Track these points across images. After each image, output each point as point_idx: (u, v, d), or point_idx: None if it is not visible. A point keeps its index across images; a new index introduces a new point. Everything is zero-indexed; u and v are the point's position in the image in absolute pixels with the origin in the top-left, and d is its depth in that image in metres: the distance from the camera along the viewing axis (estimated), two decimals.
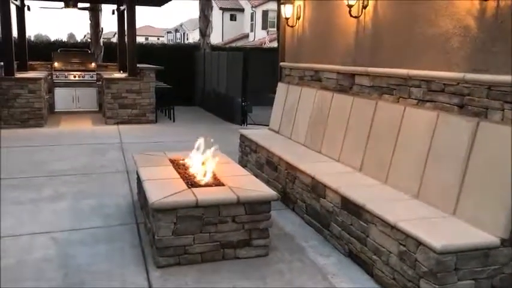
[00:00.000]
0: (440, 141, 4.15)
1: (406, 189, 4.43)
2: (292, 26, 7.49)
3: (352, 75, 5.77)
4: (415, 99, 4.63)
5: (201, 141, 5.19)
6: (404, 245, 3.61)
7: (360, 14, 5.54)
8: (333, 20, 6.19)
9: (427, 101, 4.46)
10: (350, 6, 5.49)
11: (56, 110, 12.94)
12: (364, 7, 5.45)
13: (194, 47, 17.29)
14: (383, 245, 3.88)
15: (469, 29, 3.98)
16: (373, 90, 5.35)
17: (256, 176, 5.90)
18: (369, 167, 5.10)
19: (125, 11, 12.17)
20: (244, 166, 6.94)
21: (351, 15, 5.56)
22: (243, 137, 7.75)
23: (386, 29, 5.16)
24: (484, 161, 3.68)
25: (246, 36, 37.84)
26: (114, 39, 25.81)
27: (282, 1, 7.53)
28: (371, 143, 5.15)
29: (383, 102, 5.11)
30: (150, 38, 48.74)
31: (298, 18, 7.31)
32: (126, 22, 12.10)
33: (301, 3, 7.19)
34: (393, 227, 3.73)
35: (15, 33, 12.10)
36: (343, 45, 6.00)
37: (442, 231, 3.55)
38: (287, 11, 7.41)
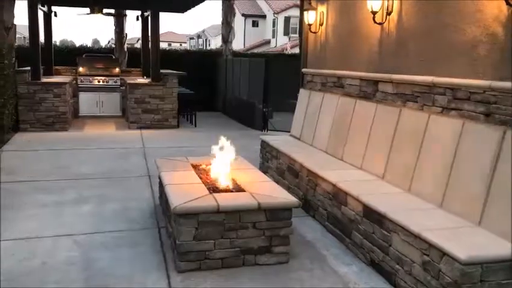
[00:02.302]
0: (466, 150, 4.08)
1: (429, 198, 4.37)
2: (314, 33, 7.48)
3: (376, 82, 5.73)
4: (440, 107, 4.57)
5: (221, 146, 5.22)
6: (427, 255, 3.55)
7: (383, 20, 5.49)
8: (356, 26, 6.16)
9: (452, 109, 4.39)
10: (374, 13, 5.45)
11: (80, 114, 13.15)
12: (388, 14, 5.41)
13: (216, 53, 17.40)
14: (406, 255, 3.82)
15: (496, 37, 3.91)
16: (397, 97, 5.29)
17: (277, 182, 5.89)
18: (391, 174, 5.04)
19: (149, 17, 12.32)
20: (265, 172, 6.93)
21: (374, 22, 5.53)
22: (264, 143, 7.75)
23: (411, 35, 5.11)
24: (511, 170, 3.60)
25: (268, 42, 37.92)
26: (138, 45, 26.12)
27: (305, 8, 7.53)
28: (394, 151, 5.09)
29: (407, 110, 5.05)
30: (172, 44, 49.19)
31: (321, 25, 7.30)
32: (150, 28, 12.26)
33: (324, 9, 7.18)
34: (416, 236, 3.67)
35: (42, 38, 12.36)
36: (367, 52, 5.96)
37: (467, 241, 3.48)
38: (310, 17, 7.40)
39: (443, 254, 3.37)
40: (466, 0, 4.27)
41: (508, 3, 3.69)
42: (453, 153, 4.20)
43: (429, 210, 4.20)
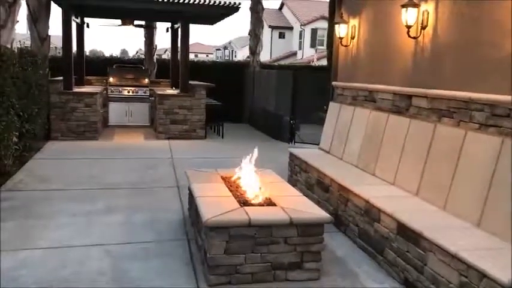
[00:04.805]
0: (505, 169, 3.95)
1: (466, 217, 4.25)
2: (346, 46, 7.43)
3: (409, 97, 5.64)
4: (477, 123, 4.46)
5: (250, 159, 5.21)
6: (466, 276, 3.45)
7: (418, 34, 5.42)
8: (390, 40, 6.10)
9: (491, 125, 4.28)
10: (408, 27, 5.39)
11: (109, 124, 13.33)
12: (423, 28, 5.34)
13: (244, 64, 17.47)
14: (442, 275, 3.71)
15: None
16: (431, 112, 5.20)
17: (306, 196, 5.81)
18: (426, 191, 4.93)
19: (179, 29, 12.46)
20: (293, 185, 6.84)
21: (409, 36, 5.45)
22: (292, 156, 7.70)
23: (446, 50, 5.02)
24: None
25: (294, 54, 37.97)
26: (165, 56, 26.39)
27: (336, 21, 7.50)
28: (429, 167, 4.98)
29: (442, 126, 4.95)
30: (199, 55, 49.68)
31: (352, 38, 7.25)
32: (180, 40, 12.40)
33: (356, 23, 7.13)
34: (454, 257, 3.57)
35: (74, 49, 12.62)
36: (400, 66, 5.88)
37: (509, 263, 3.36)
38: (341, 30, 7.37)
39: (483, 276, 3.26)
40: (505, 15, 4.17)
41: None
42: (492, 171, 4.08)
43: (466, 229, 4.08)
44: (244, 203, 4.62)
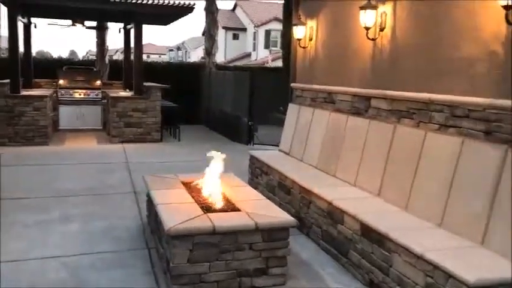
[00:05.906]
0: (466, 169, 4.03)
1: (428, 217, 4.30)
2: (304, 47, 7.43)
3: (368, 98, 5.68)
4: (437, 124, 4.53)
5: (211, 162, 5.10)
6: (431, 277, 3.47)
7: (376, 36, 5.47)
8: (348, 42, 6.13)
9: (450, 126, 4.36)
10: (367, 29, 5.43)
11: (60, 128, 12.82)
12: (381, 29, 5.39)
13: (199, 65, 17.27)
14: (408, 276, 3.73)
15: (496, 55, 3.89)
16: (391, 113, 5.25)
17: (268, 198, 5.76)
18: (387, 192, 4.97)
19: (132, 30, 12.15)
20: (254, 188, 6.78)
21: (367, 38, 5.50)
22: (253, 159, 7.63)
23: (405, 52, 5.09)
24: None
25: (248, 55, 38.01)
26: (116, 56, 25.73)
27: (294, 22, 7.49)
28: (390, 168, 5.03)
29: (402, 127, 5.01)
30: (152, 56, 48.86)
31: (310, 40, 7.26)
32: (134, 41, 12.09)
33: (314, 25, 7.14)
34: (419, 258, 3.59)
35: (21, 50, 12.05)
36: (359, 68, 5.92)
37: (473, 262, 3.42)
38: (299, 32, 7.36)
39: (449, 276, 3.29)
40: (464, 17, 4.26)
41: (508, 21, 3.68)
42: (452, 171, 4.15)
43: (429, 229, 4.13)
44: (207, 209, 4.50)
